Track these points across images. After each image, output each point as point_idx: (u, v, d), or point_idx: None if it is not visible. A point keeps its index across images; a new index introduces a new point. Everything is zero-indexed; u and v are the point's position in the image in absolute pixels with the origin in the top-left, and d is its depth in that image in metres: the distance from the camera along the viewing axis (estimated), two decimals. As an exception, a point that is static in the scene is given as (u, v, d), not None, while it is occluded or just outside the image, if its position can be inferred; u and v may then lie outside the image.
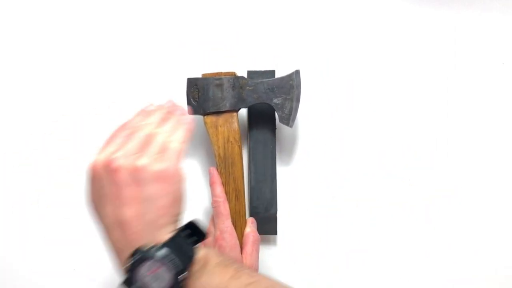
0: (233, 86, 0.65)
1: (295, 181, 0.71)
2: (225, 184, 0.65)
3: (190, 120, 0.49)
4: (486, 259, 0.70)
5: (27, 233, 0.73)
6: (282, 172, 0.71)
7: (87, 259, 0.72)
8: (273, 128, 0.69)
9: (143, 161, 0.43)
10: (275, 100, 0.65)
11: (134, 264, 0.41)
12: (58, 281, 0.72)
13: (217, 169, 0.65)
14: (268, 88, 0.65)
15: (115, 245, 0.43)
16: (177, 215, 0.44)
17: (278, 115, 0.66)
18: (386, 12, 0.73)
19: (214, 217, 0.63)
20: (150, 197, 0.42)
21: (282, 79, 0.66)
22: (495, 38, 0.72)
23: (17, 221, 0.73)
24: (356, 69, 0.72)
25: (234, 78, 0.66)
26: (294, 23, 0.73)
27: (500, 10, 0.72)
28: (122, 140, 0.45)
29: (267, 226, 0.68)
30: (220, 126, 0.65)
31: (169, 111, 0.50)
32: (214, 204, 0.63)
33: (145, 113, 0.50)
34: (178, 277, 0.41)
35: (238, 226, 0.64)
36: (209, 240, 0.62)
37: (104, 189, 0.43)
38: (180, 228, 0.44)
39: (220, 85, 0.65)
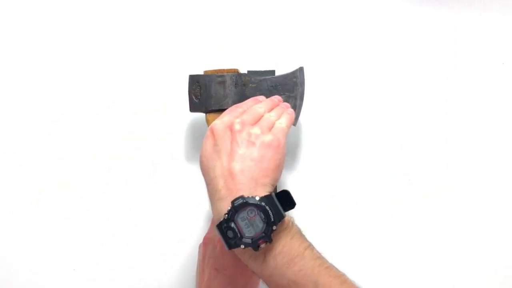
0: (235, 84, 0.65)
1: (294, 180, 0.71)
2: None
3: (292, 112, 0.60)
4: (486, 259, 0.70)
5: (27, 233, 0.73)
6: (282, 171, 0.70)
7: (87, 259, 0.72)
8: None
9: (256, 130, 0.52)
10: (278, 98, 0.65)
11: (235, 207, 0.47)
12: (58, 281, 0.72)
13: None
14: (272, 86, 0.65)
15: (219, 193, 0.50)
16: (275, 180, 0.52)
17: (281, 113, 0.66)
18: (386, 12, 0.73)
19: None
20: (258, 159, 0.51)
21: (285, 76, 0.65)
22: (495, 38, 0.72)
23: (17, 221, 0.73)
24: (356, 69, 0.72)
25: (236, 75, 0.65)
26: (295, 23, 0.73)
27: (500, 10, 0.72)
28: (239, 113, 0.55)
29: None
30: None
31: (275, 104, 0.60)
32: None
33: (255, 100, 0.60)
34: (270, 227, 0.47)
35: None
36: (209, 239, 0.62)
37: (221, 145, 0.52)
38: (275, 191, 0.51)
39: (222, 82, 0.65)
